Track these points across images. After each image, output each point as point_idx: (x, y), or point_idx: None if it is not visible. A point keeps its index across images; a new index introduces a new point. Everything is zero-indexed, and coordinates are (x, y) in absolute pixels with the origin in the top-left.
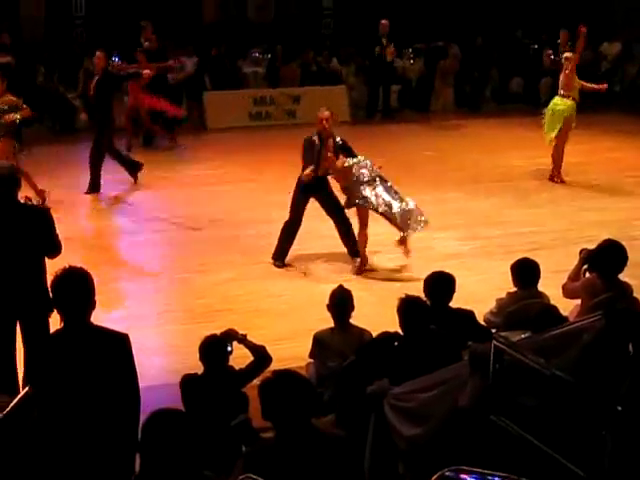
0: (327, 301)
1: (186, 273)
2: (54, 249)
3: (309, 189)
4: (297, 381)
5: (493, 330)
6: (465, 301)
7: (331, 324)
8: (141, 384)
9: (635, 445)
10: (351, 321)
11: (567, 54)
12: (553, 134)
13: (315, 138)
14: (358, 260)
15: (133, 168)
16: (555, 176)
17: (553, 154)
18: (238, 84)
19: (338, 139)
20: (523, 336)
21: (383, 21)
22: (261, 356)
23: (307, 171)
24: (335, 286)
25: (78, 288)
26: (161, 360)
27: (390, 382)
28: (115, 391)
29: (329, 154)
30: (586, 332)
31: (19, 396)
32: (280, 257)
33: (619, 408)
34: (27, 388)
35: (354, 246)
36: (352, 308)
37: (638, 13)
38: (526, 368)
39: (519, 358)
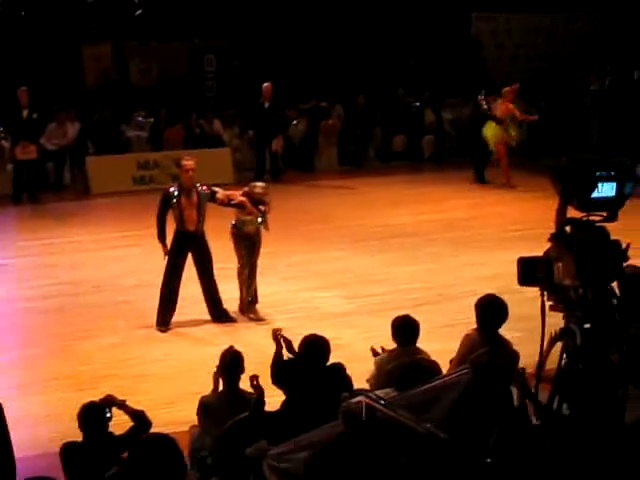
0: (217, 362)
1: (70, 340)
2: None
3: (185, 244)
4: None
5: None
6: (350, 359)
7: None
8: (22, 454)
9: None
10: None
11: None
12: None
13: (174, 190)
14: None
15: None
16: None
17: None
18: (122, 148)
19: (204, 188)
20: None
21: (265, 84)
22: (140, 421)
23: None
24: (220, 349)
25: None
26: (43, 429)
27: (269, 443)
28: None
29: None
30: (454, 386)
31: None
32: (163, 322)
33: (488, 460)
34: None
35: (217, 310)
36: (242, 371)
37: (507, 69)
38: (397, 425)
39: (391, 415)
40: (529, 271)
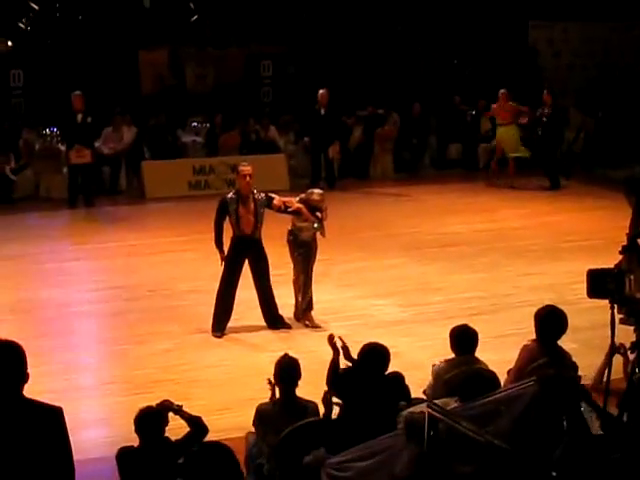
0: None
1: (124, 344)
2: None
3: (242, 250)
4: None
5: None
6: (405, 367)
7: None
8: (78, 457)
9: None
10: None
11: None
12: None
13: (231, 196)
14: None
15: None
16: None
17: None
18: (177, 153)
19: (262, 195)
20: (456, 404)
21: (321, 91)
22: (197, 427)
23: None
24: (275, 355)
25: (9, 361)
26: (99, 432)
27: (327, 451)
28: (48, 465)
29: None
30: (520, 398)
31: None
32: (219, 328)
33: (554, 474)
34: None
35: (273, 317)
36: (298, 377)
37: (564, 78)
38: (461, 436)
39: (454, 426)
40: (598, 283)
